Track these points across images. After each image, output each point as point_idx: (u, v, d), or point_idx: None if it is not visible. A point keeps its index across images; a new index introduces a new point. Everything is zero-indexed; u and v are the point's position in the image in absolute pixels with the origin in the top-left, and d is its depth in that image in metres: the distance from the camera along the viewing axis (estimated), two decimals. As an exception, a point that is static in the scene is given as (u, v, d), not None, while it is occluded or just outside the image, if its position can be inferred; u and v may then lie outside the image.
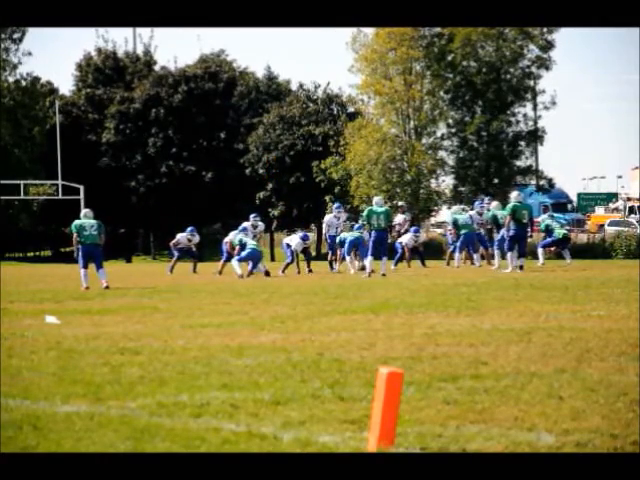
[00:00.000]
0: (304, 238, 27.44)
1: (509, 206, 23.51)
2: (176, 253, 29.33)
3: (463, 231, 27.23)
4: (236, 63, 60.55)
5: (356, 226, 27.37)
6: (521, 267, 22.78)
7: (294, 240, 27.31)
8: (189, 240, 29.45)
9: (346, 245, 25.80)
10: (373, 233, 22.68)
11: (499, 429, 5.52)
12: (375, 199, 24.04)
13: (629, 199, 60.91)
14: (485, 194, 43.70)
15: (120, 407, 6.32)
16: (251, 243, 25.32)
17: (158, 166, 56.90)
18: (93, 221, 20.20)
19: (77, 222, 20.28)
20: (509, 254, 23.13)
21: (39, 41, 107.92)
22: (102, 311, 13.55)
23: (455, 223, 27.74)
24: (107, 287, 19.23)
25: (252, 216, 28.00)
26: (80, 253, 20.00)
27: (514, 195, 24.39)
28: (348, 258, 25.78)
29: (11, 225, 54.94)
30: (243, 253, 24.82)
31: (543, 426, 5.58)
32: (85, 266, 19.86)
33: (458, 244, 27.49)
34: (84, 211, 21.10)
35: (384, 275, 22.10)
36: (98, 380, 7.35)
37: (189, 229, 29.88)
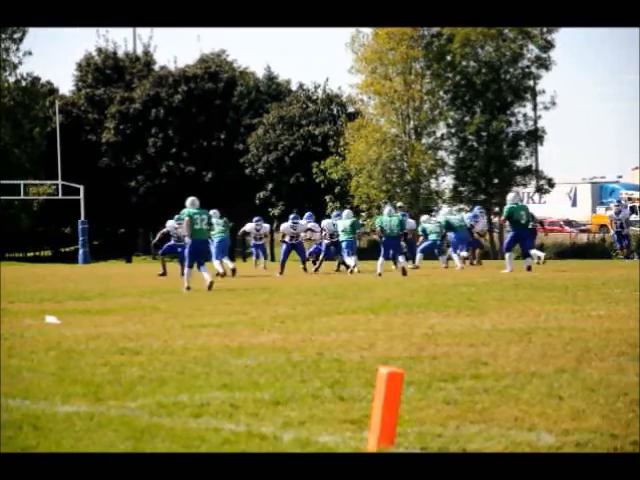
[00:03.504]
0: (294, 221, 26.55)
1: (506, 208, 23.76)
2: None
3: (432, 237, 27.82)
4: (236, 63, 60.54)
5: (335, 213, 27.69)
6: (529, 268, 22.81)
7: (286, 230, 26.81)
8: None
9: (343, 248, 25.92)
10: (385, 239, 23.75)
11: (499, 429, 5.52)
12: (386, 209, 25.01)
13: (630, 199, 60.86)
14: (484, 194, 43.79)
15: (120, 407, 6.32)
16: (217, 234, 24.69)
17: (158, 166, 56.89)
18: (204, 213, 18.50)
19: (189, 211, 18.31)
20: (507, 255, 23.28)
21: (39, 41, 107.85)
22: (102, 311, 13.54)
23: (424, 231, 28.23)
24: (211, 285, 17.86)
25: (255, 220, 27.88)
26: (188, 251, 18.32)
27: (510, 197, 24.51)
28: (348, 259, 25.79)
29: (11, 225, 54.90)
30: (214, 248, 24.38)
31: (543, 426, 5.57)
32: (191, 265, 18.23)
33: (422, 246, 27.76)
34: (191, 199, 18.80)
35: (404, 273, 22.38)
36: (98, 380, 7.34)
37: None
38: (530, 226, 24.03)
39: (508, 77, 44.70)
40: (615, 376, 7.11)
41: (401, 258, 23.62)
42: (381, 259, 23.46)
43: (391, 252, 23.65)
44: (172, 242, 24.79)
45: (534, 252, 25.05)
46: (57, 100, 56.15)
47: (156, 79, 58.61)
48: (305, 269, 26.14)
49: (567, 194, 64.08)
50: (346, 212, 27.60)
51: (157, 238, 25.94)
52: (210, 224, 18.77)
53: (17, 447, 5.26)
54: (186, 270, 18.37)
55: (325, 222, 27.50)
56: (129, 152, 57.56)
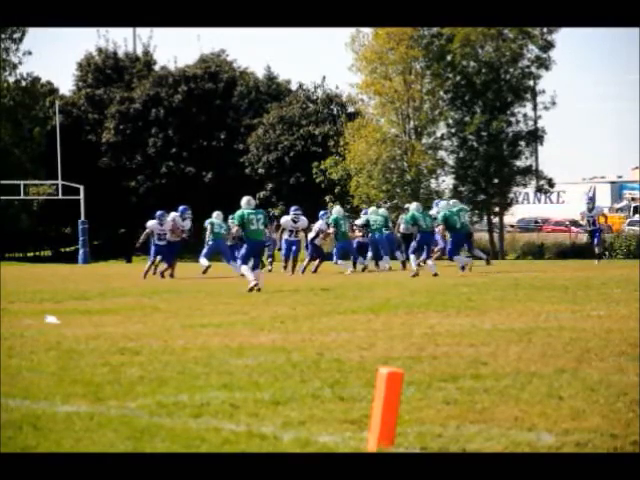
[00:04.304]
0: (295, 214, 26.36)
1: (440, 215, 23.49)
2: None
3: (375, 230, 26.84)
4: (236, 63, 60.53)
5: (321, 213, 27.34)
6: (464, 268, 22.77)
7: (285, 223, 26.75)
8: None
9: (335, 251, 25.96)
10: (419, 235, 23.04)
11: (499, 429, 5.52)
12: (413, 205, 24.48)
13: (633, 199, 60.90)
14: (484, 194, 43.79)
15: (120, 407, 6.32)
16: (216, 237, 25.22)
17: (158, 166, 56.90)
18: (259, 213, 18.19)
19: (242, 213, 18.01)
20: (456, 258, 23.04)
21: (39, 41, 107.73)
22: (102, 311, 13.54)
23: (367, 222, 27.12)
24: (259, 287, 17.59)
25: (230, 217, 27.52)
26: (245, 251, 18.28)
27: (443, 204, 24.60)
28: (340, 262, 25.68)
29: (11, 225, 54.88)
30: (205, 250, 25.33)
31: (543, 426, 5.57)
32: (246, 262, 18.13)
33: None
34: (246, 198, 18.43)
35: (436, 274, 21.69)
36: (98, 380, 7.35)
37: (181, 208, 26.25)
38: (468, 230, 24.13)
39: (508, 77, 44.65)
40: (615, 376, 7.12)
41: (430, 260, 22.84)
42: (423, 256, 22.76)
43: (425, 249, 22.91)
44: (155, 242, 24.84)
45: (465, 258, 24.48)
46: (57, 100, 56.15)
47: (156, 79, 58.61)
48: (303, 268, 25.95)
49: (586, 194, 64.01)
50: (336, 209, 27.32)
51: (141, 239, 25.89)
52: (266, 224, 18.69)
53: (17, 447, 5.26)
54: (244, 268, 18.22)
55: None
56: (129, 152, 57.56)
